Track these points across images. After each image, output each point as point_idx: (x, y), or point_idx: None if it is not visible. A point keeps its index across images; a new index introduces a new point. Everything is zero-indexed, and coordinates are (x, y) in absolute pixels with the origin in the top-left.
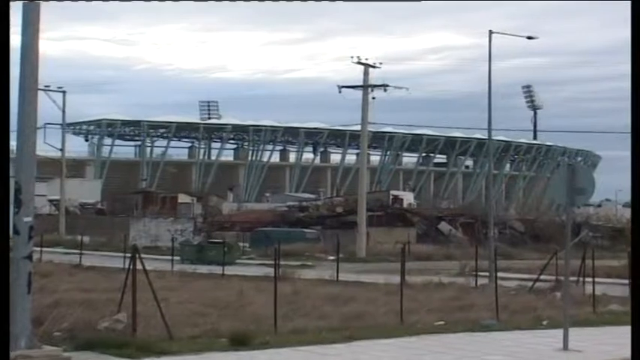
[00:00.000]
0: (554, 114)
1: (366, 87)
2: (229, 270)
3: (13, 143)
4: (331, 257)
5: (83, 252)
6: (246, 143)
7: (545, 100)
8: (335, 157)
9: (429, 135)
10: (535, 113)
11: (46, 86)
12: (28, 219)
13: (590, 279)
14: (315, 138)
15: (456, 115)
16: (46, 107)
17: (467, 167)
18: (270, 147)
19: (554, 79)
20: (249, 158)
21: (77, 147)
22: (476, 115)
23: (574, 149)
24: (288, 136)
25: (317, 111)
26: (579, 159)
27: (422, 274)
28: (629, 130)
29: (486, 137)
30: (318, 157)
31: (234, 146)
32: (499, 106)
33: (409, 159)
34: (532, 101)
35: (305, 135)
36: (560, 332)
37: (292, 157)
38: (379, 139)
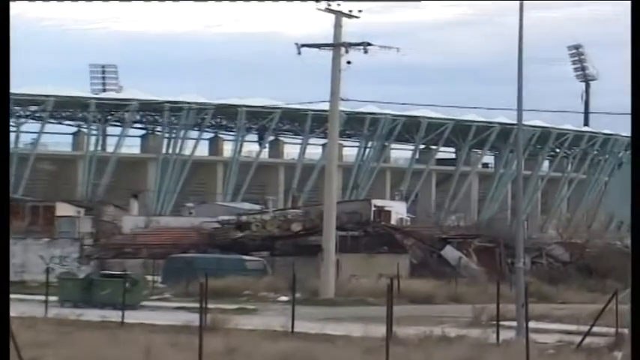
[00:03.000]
0: (615, 88)
1: (337, 46)
2: (132, 316)
3: None
4: (284, 297)
5: None
6: (159, 128)
7: (602, 67)
8: (291, 150)
9: (430, 118)
10: (587, 87)
11: None
12: None
13: None
14: (262, 121)
15: (471, 89)
16: None
17: (485, 166)
18: (194, 133)
19: (617, 37)
20: (164, 150)
21: None
22: (499, 89)
23: None
24: (222, 117)
25: (264, 82)
26: None
27: (418, 323)
28: None
29: (514, 122)
30: (266, 150)
31: (142, 132)
32: (534, 77)
33: (400, 153)
34: (583, 69)
35: (247, 117)
36: None
37: (228, 148)
38: (357, 124)
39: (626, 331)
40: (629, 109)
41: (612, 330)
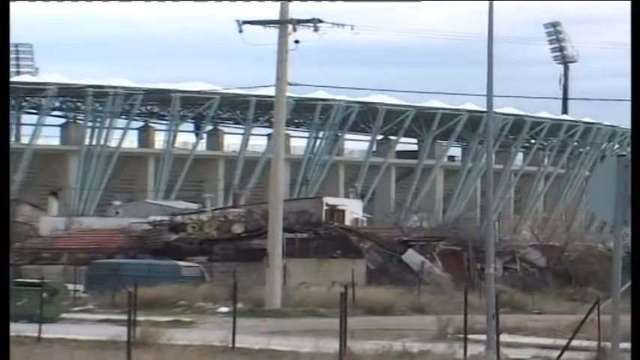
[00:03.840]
0: (597, 71)
1: (284, 23)
2: (51, 330)
3: None
4: (224, 308)
5: None
6: (81, 116)
7: (582, 48)
8: (232, 141)
9: (388, 105)
10: (566, 69)
11: None
12: None
13: None
14: (199, 108)
15: (435, 72)
16: None
17: (451, 159)
18: (122, 122)
19: (598, 15)
20: (87, 141)
21: None
22: (467, 72)
23: (628, 129)
24: (153, 104)
25: (201, 64)
26: None
27: (375, 336)
28: None
29: (484, 109)
30: (204, 141)
31: (62, 121)
32: (507, 58)
33: (356, 144)
34: (561, 50)
35: (181, 103)
36: None
37: (160, 139)
38: (306, 111)
39: (609, 344)
40: (612, 94)
41: (594, 344)
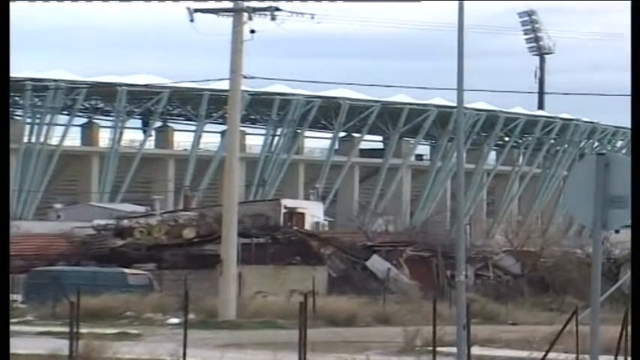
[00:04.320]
0: (575, 64)
1: (238, 11)
2: None
3: None
4: (174, 320)
5: None
6: (19, 112)
7: (560, 39)
8: (182, 138)
9: (352, 99)
10: (542, 61)
11: None
12: None
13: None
14: (147, 103)
15: (401, 64)
16: None
17: (419, 158)
18: (64, 118)
19: (576, 4)
20: (26, 139)
21: None
22: (436, 65)
23: (610, 127)
24: (98, 99)
25: (150, 55)
26: (620, 143)
27: (337, 349)
28: None
29: (454, 104)
30: (152, 138)
31: None
32: (479, 50)
33: (317, 142)
34: (537, 40)
35: (128, 98)
36: None
37: (105, 137)
38: (263, 107)
39: (587, 357)
40: (591, 89)
41: (572, 356)
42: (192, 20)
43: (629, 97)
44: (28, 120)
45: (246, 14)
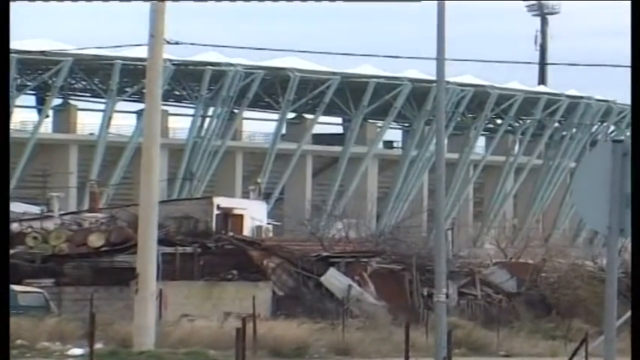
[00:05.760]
0: (587, 27)
1: None
2: None
3: None
4: (77, 350)
5: None
6: None
7: None
8: (88, 120)
9: (303, 71)
10: (544, 24)
11: None
12: None
13: None
14: (43, 75)
15: (367, 27)
16: None
17: (389, 145)
18: None
19: None
20: None
21: None
22: (410, 28)
23: (626, 106)
24: None
25: (47, 15)
26: None
27: None
28: None
29: (432, 78)
30: (50, 120)
31: None
32: (465, 10)
33: (259, 125)
34: None
35: (19, 68)
36: None
37: None
38: (191, 80)
39: None
40: (605, 59)
41: None
42: None
43: None
44: None
45: None
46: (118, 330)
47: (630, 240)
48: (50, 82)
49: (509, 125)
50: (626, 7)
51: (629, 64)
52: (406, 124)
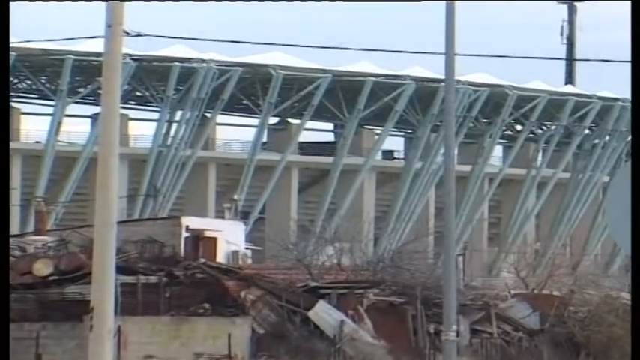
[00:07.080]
0: (624, 16)
1: None
2: None
3: None
4: None
5: None
6: None
7: None
8: (34, 125)
9: (288, 68)
10: (571, 12)
11: None
12: None
13: None
14: None
15: (362, 16)
16: None
17: (389, 155)
18: None
19: None
20: None
21: None
22: (414, 18)
23: None
24: None
25: None
26: None
27: None
28: None
29: (440, 76)
30: None
31: None
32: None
33: (235, 132)
34: None
35: None
36: None
37: None
38: (156, 79)
39: None
40: None
41: None
42: None
43: None
44: None
45: None
46: None
47: (631, 242)
48: None
49: (531, 132)
50: None
51: None
52: (409, 131)
